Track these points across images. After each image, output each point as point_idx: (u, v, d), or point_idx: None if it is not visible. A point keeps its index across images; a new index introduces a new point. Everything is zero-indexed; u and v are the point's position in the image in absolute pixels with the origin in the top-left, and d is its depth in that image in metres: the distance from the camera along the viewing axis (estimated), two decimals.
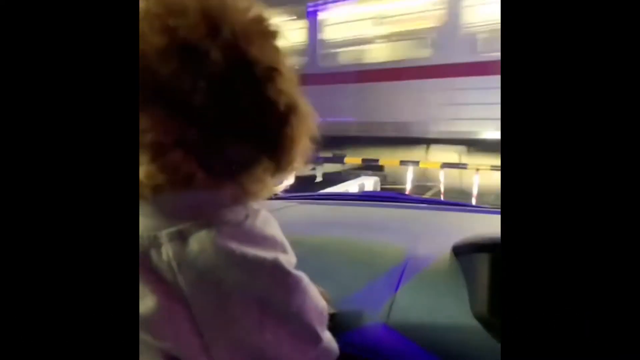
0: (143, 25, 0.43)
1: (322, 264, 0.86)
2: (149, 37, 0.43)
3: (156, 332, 0.45)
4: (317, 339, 0.53)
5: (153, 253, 0.45)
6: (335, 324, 0.67)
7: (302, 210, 1.38)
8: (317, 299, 0.54)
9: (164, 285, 0.45)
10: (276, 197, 0.57)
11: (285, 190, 0.63)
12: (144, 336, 0.44)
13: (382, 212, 1.39)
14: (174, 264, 0.45)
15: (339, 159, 5.68)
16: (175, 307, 0.45)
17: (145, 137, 0.44)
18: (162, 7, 0.45)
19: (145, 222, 0.47)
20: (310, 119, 0.52)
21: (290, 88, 0.49)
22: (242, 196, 0.51)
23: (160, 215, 0.47)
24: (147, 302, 0.44)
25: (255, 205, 0.53)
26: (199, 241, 0.46)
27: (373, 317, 0.74)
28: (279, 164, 0.51)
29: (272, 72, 0.47)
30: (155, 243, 0.46)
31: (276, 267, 0.48)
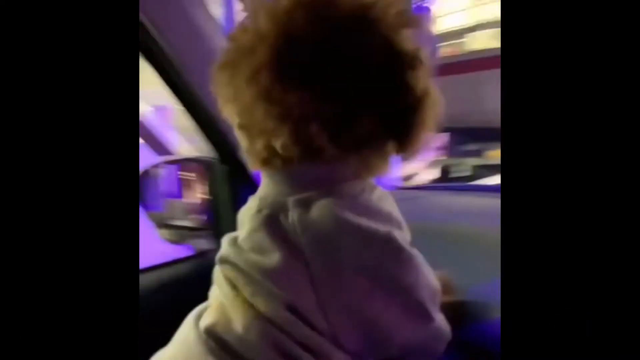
0: (291, 13, 0.48)
1: (453, 251, 0.84)
2: (295, 22, 0.48)
3: (278, 283, 0.50)
4: (429, 318, 0.53)
5: (281, 216, 0.51)
6: (462, 312, 0.66)
7: (436, 199, 1.38)
8: (430, 278, 0.54)
9: (288, 244, 0.50)
10: (411, 187, 0.60)
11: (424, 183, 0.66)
12: (268, 286, 0.50)
13: None
14: (297, 227, 0.50)
15: (480, 153, 5.30)
16: (297, 264, 0.49)
17: (286, 111, 0.48)
18: None
19: (276, 188, 0.54)
20: (438, 108, 0.54)
21: (427, 76, 0.52)
22: (363, 171, 0.54)
23: (288, 183, 0.53)
24: (273, 257, 0.50)
25: (372, 182, 0.56)
26: (320, 209, 0.50)
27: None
28: (404, 145, 0.54)
29: (415, 61, 0.50)
30: (283, 207, 0.52)
31: (389, 241, 0.51)
